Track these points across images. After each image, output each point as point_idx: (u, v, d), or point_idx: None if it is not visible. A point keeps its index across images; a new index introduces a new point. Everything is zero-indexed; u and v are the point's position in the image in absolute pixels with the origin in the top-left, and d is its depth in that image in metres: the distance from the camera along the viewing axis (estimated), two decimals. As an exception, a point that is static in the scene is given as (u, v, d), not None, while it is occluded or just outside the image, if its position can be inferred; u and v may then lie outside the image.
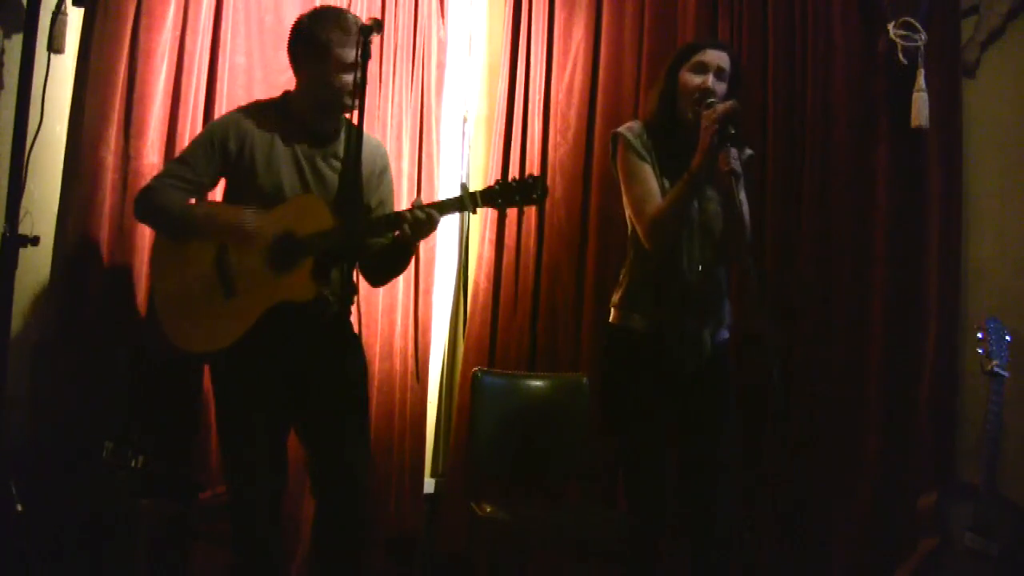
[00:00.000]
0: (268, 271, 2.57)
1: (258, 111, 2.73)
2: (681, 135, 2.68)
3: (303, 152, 2.67)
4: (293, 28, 2.71)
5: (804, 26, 3.61)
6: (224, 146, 2.64)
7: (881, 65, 3.49)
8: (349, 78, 2.60)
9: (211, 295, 2.60)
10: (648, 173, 2.66)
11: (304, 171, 2.66)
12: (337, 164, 2.69)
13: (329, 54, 2.60)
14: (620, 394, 2.72)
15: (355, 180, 2.59)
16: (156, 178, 2.71)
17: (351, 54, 2.58)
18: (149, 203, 2.65)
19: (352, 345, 2.75)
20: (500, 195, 2.56)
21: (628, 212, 2.71)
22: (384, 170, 2.82)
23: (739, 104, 2.55)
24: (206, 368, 3.06)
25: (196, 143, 2.72)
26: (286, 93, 2.77)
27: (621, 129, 2.73)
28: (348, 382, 2.68)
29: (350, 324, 2.74)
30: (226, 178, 2.72)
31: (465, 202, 2.56)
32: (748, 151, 2.76)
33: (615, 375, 2.74)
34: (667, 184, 2.66)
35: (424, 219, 2.54)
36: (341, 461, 2.62)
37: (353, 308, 2.69)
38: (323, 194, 2.65)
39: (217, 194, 2.82)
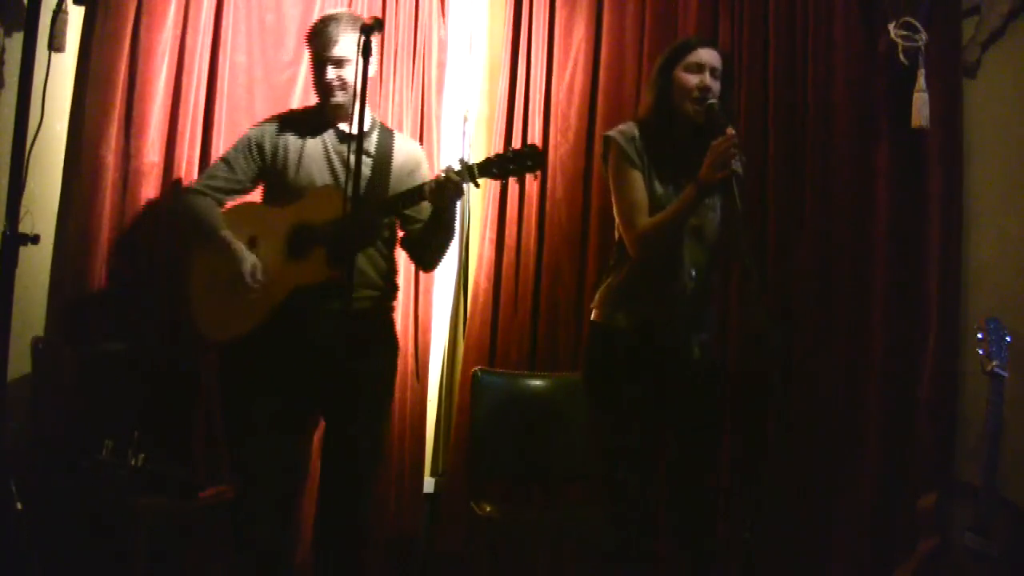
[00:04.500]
0: (285, 259, 2.70)
1: (294, 117, 2.93)
2: (677, 134, 2.66)
3: (333, 147, 2.81)
4: None
5: (804, 26, 3.60)
6: (261, 148, 2.82)
7: (882, 65, 3.48)
8: (333, 75, 2.75)
9: (235, 285, 2.70)
10: (638, 182, 2.61)
11: (334, 165, 2.79)
12: (368, 160, 2.79)
13: (314, 54, 2.79)
14: (604, 392, 2.69)
15: (371, 166, 2.73)
16: (198, 181, 2.89)
17: (333, 52, 2.74)
18: (183, 207, 2.83)
19: (385, 344, 2.82)
20: (496, 164, 2.62)
21: (617, 219, 2.67)
22: (415, 169, 2.90)
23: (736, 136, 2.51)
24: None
25: (237, 145, 2.88)
26: None
27: (613, 132, 2.68)
28: (370, 381, 2.70)
29: (387, 323, 2.85)
30: (264, 180, 2.86)
31: (463, 175, 2.62)
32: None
33: (597, 373, 2.72)
34: (659, 187, 2.62)
35: (443, 182, 2.61)
36: (346, 461, 2.63)
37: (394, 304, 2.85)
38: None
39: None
